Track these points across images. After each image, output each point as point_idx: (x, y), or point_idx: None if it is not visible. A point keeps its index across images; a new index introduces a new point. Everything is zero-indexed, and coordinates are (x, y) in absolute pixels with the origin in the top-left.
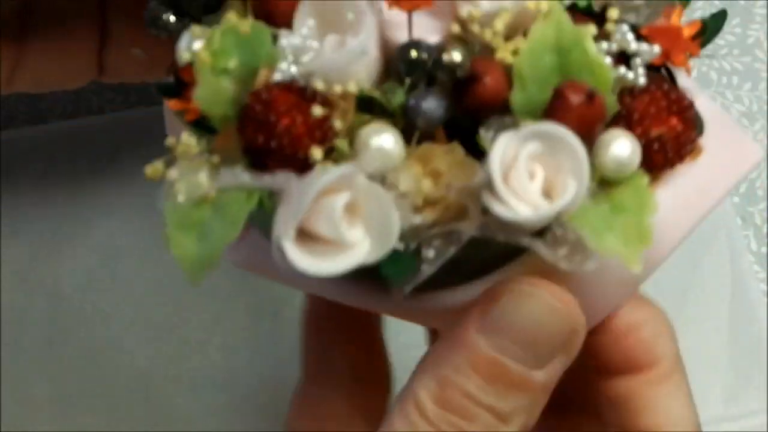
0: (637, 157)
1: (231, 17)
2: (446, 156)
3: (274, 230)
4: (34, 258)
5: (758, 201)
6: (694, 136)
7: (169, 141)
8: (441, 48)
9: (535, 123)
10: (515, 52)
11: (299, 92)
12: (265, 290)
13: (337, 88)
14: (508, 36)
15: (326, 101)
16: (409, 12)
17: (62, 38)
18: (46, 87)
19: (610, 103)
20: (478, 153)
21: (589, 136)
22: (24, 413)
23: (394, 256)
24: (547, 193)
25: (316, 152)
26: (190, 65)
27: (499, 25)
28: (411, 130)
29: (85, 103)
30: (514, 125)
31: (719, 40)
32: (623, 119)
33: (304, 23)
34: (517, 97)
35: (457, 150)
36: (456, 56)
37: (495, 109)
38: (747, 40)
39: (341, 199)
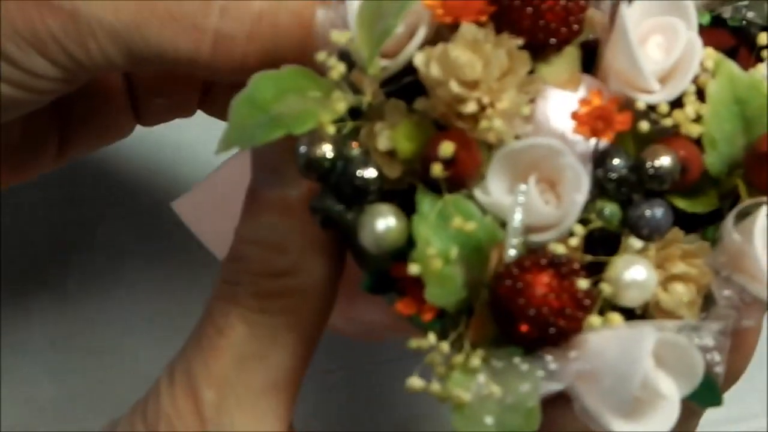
0: None
1: (457, 221)
2: (677, 251)
3: (587, 408)
4: (37, 258)
5: None
6: None
7: (413, 344)
8: (639, 158)
9: None
10: (697, 120)
11: (548, 266)
12: None
13: (573, 242)
14: None
15: (570, 261)
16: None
17: (100, 109)
18: (92, 149)
19: None
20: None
21: None
22: (27, 414)
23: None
24: None
25: (596, 321)
26: (400, 264)
27: (691, 110)
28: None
29: None
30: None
31: None
32: None
33: (499, 180)
34: (711, 161)
35: (680, 237)
36: (666, 162)
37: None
38: None
39: (649, 358)
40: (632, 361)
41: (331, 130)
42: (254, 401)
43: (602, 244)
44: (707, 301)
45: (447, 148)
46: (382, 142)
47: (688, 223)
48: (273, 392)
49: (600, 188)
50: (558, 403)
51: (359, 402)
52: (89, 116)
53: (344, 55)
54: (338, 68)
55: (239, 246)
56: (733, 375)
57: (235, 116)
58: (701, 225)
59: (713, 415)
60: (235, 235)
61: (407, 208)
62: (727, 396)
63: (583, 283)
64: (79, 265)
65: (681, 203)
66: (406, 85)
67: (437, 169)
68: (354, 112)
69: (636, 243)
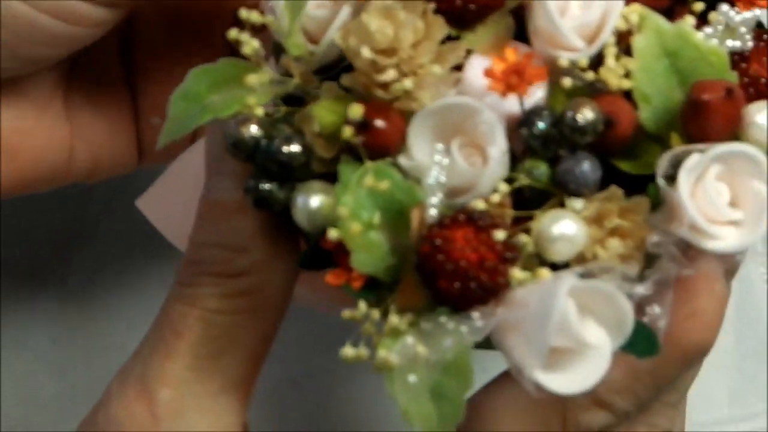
0: None
1: (369, 180)
2: (614, 207)
3: (514, 362)
4: (39, 255)
5: None
6: None
7: (346, 314)
8: (561, 113)
9: (706, 150)
10: (626, 75)
11: (467, 222)
12: None
13: (495, 198)
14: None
15: (490, 216)
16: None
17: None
18: (102, 171)
19: (732, 79)
20: None
21: (733, 128)
22: (28, 411)
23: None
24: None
25: (518, 274)
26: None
27: (611, 61)
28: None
29: None
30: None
31: None
32: (748, 85)
33: (421, 145)
34: (646, 116)
35: (618, 195)
36: (588, 114)
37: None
38: None
39: (571, 306)
40: (548, 303)
41: (258, 111)
42: (212, 400)
43: (536, 204)
44: (650, 259)
45: (355, 110)
46: (315, 123)
47: (635, 185)
48: (231, 391)
49: (528, 147)
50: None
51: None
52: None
53: (277, 46)
54: (251, 44)
55: (197, 250)
56: (696, 348)
57: (173, 110)
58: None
59: (715, 415)
60: (191, 241)
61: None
62: (729, 396)
63: (500, 234)
64: (81, 263)
65: (625, 165)
66: (342, 70)
67: (348, 132)
68: (289, 100)
69: (576, 204)
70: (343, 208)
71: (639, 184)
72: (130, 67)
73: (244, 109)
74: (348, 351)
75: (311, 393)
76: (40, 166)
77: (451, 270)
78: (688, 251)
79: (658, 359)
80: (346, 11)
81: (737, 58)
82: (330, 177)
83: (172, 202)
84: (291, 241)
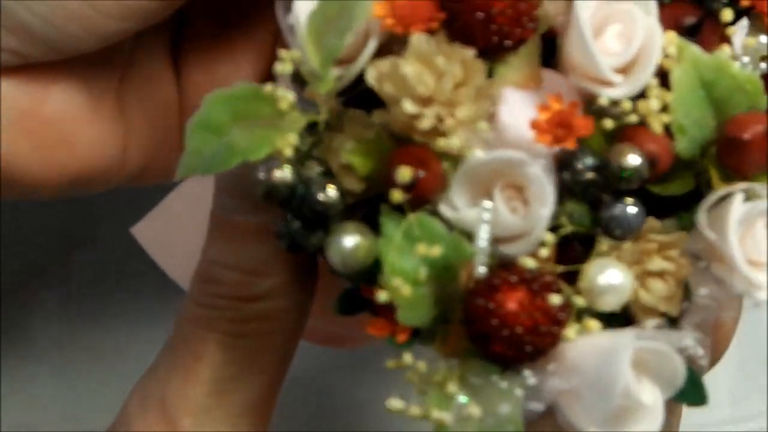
0: None
1: (422, 248)
2: (653, 245)
3: (568, 421)
4: (41, 257)
5: None
6: None
7: (391, 365)
8: (606, 159)
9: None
10: (664, 110)
11: (520, 284)
12: None
13: (543, 253)
14: None
15: (542, 277)
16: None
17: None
18: (154, 175)
19: (765, 104)
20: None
21: None
22: (29, 413)
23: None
24: None
25: (572, 333)
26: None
27: (655, 104)
28: None
29: None
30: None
31: None
32: None
33: (464, 194)
34: (682, 147)
35: (656, 227)
36: (635, 161)
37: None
38: None
39: (628, 367)
40: (611, 374)
41: (288, 152)
42: (232, 425)
43: (576, 246)
44: (688, 289)
45: (405, 174)
46: (342, 157)
47: (664, 206)
48: (251, 414)
49: (568, 191)
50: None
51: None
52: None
53: (296, 73)
54: (286, 98)
55: (212, 269)
56: (712, 362)
57: (191, 142)
58: (678, 207)
59: (716, 416)
60: (204, 256)
61: (373, 220)
62: (730, 396)
63: (555, 299)
64: (83, 265)
65: (655, 188)
66: (365, 90)
67: (397, 196)
68: (313, 125)
69: (606, 241)
70: (397, 275)
71: (665, 204)
72: (180, 69)
73: (274, 152)
74: (395, 403)
75: (312, 394)
76: (96, 161)
77: (506, 336)
78: (724, 290)
79: None
80: (373, 43)
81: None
82: (358, 207)
83: (171, 234)
84: (309, 264)
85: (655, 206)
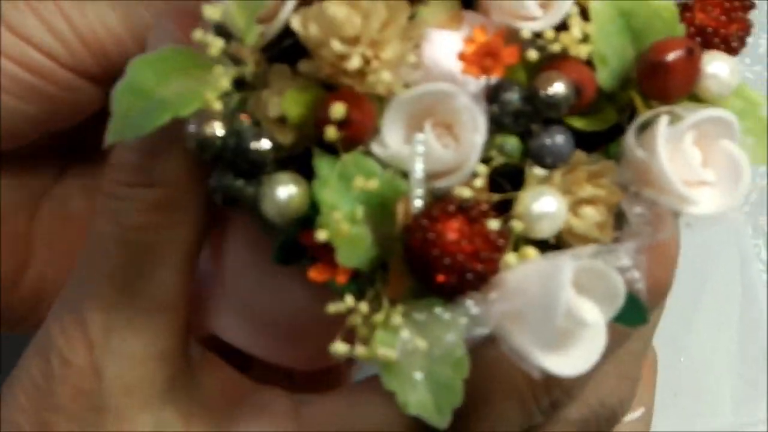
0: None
1: (359, 181)
2: (582, 174)
3: (514, 348)
4: None
5: None
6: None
7: (331, 309)
8: (533, 88)
9: (685, 114)
10: (584, 40)
11: (458, 212)
12: None
13: (478, 183)
14: None
15: (479, 204)
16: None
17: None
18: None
19: (681, 32)
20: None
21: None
22: None
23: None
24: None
25: (512, 259)
26: (306, 229)
27: (577, 32)
28: None
29: None
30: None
31: None
32: (694, 35)
33: (394, 132)
34: (603, 77)
35: (583, 159)
36: (561, 88)
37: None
38: (758, 49)
39: (572, 292)
40: (553, 293)
41: (217, 106)
42: (146, 320)
43: (507, 179)
44: (620, 219)
45: (338, 109)
46: (272, 110)
47: (589, 141)
48: (165, 310)
49: (497, 123)
50: (483, 344)
51: None
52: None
53: (220, 28)
54: (216, 44)
55: (115, 153)
56: (657, 288)
57: (119, 106)
58: (602, 142)
59: (718, 422)
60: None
61: (306, 172)
62: (732, 402)
63: (494, 224)
64: None
65: (579, 123)
66: (288, 46)
67: (332, 132)
68: (239, 83)
69: (539, 172)
70: (335, 211)
71: (590, 140)
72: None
73: (203, 105)
74: (339, 347)
75: None
76: None
77: (448, 264)
78: (657, 211)
79: None
80: None
81: (682, 9)
82: (290, 162)
83: None
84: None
85: (580, 143)
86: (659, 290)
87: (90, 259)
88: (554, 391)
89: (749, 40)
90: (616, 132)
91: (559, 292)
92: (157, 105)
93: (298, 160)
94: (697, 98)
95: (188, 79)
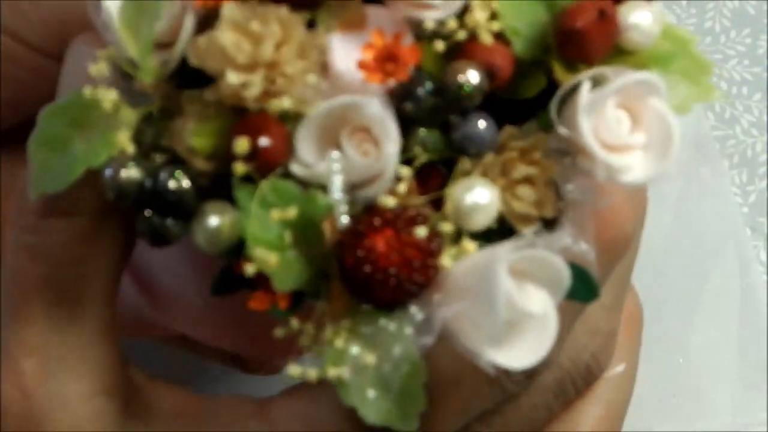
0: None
1: (275, 214)
2: (514, 153)
3: (465, 347)
4: None
5: None
6: None
7: (278, 333)
8: (444, 81)
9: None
10: (493, 17)
11: (384, 225)
12: None
13: (402, 188)
14: None
15: (405, 211)
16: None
17: None
18: None
19: None
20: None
21: (613, 43)
22: None
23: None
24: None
25: (448, 261)
26: (238, 260)
27: (480, 15)
28: None
29: None
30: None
31: (729, 51)
32: None
33: (309, 148)
34: (520, 49)
35: (513, 134)
36: (473, 77)
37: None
38: (757, 51)
39: (511, 283)
40: (490, 288)
41: (130, 149)
42: (81, 357)
43: (440, 170)
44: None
45: (242, 145)
46: (187, 139)
47: (524, 110)
48: (99, 343)
49: (415, 120)
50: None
51: None
52: None
53: (122, 70)
54: (109, 98)
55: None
56: (613, 247)
57: (36, 160)
58: (537, 108)
59: (718, 424)
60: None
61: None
62: (731, 404)
63: (421, 231)
64: None
65: (507, 94)
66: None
67: (240, 168)
68: (151, 117)
69: (467, 161)
70: (259, 244)
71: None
72: None
73: (115, 150)
74: (293, 369)
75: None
76: None
77: (382, 279)
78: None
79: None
80: (189, 21)
81: None
82: (214, 188)
83: None
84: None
85: (514, 112)
86: (614, 248)
87: (11, 301)
88: None
89: (749, 41)
90: (548, 95)
91: (496, 285)
92: (70, 158)
93: (228, 181)
94: (622, 50)
95: (99, 123)
